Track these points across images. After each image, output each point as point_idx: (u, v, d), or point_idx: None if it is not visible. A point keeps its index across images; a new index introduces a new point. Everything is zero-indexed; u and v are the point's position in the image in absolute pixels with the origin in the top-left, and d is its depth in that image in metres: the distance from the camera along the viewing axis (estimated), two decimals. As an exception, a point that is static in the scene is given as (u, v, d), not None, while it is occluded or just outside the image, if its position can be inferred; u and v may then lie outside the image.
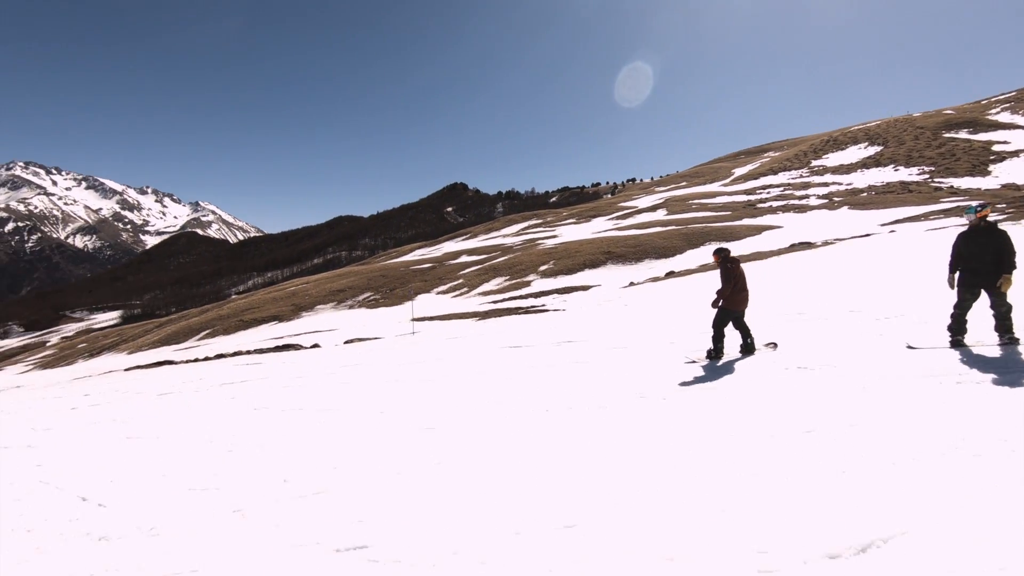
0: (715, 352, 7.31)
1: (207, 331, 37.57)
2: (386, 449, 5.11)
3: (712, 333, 7.41)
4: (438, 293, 37.11)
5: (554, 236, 56.20)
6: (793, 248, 26.39)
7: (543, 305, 25.67)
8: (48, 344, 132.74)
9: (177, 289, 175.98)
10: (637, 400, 5.73)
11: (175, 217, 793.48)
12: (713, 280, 19.23)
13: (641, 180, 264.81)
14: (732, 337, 7.94)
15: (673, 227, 42.85)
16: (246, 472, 4.87)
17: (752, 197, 57.27)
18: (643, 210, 62.73)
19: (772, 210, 46.57)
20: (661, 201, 67.42)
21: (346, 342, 19.15)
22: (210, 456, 5.54)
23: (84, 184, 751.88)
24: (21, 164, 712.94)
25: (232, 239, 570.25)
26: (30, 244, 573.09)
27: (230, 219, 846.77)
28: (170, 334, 39.86)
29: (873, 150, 71.65)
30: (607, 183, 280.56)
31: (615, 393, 6.12)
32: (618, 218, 61.23)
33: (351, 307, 37.54)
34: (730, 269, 7.32)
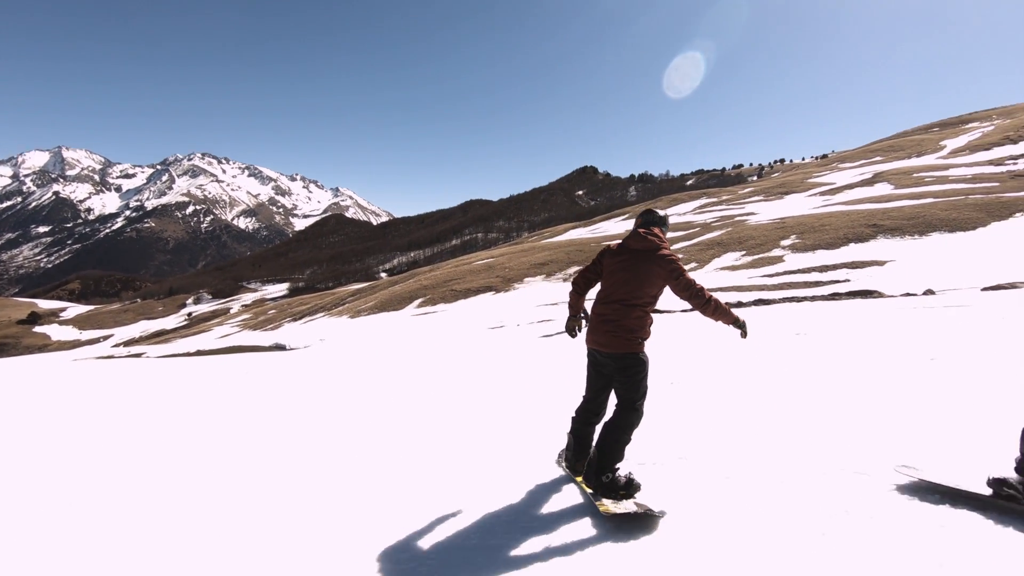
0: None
1: (420, 299, 38.05)
2: None
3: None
4: (660, 268, 34.24)
5: (752, 213, 50.96)
6: None
7: (847, 279, 21.89)
8: (231, 311, 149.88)
9: (332, 265, 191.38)
10: None
11: (319, 202, 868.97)
12: None
13: (791, 160, 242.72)
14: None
15: (930, 200, 36.20)
16: None
17: (1006, 168, 47.69)
18: (853, 186, 55.06)
19: (1057, 180, 37.87)
20: (870, 176, 58.89)
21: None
22: None
23: (246, 172, 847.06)
24: (199, 155, 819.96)
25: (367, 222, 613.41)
26: (204, 225, 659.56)
27: (364, 203, 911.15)
28: (382, 302, 41.07)
29: None
30: (751, 164, 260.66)
31: None
32: (825, 194, 54.32)
33: (565, 280, 35.99)
34: (600, 251, 3.48)
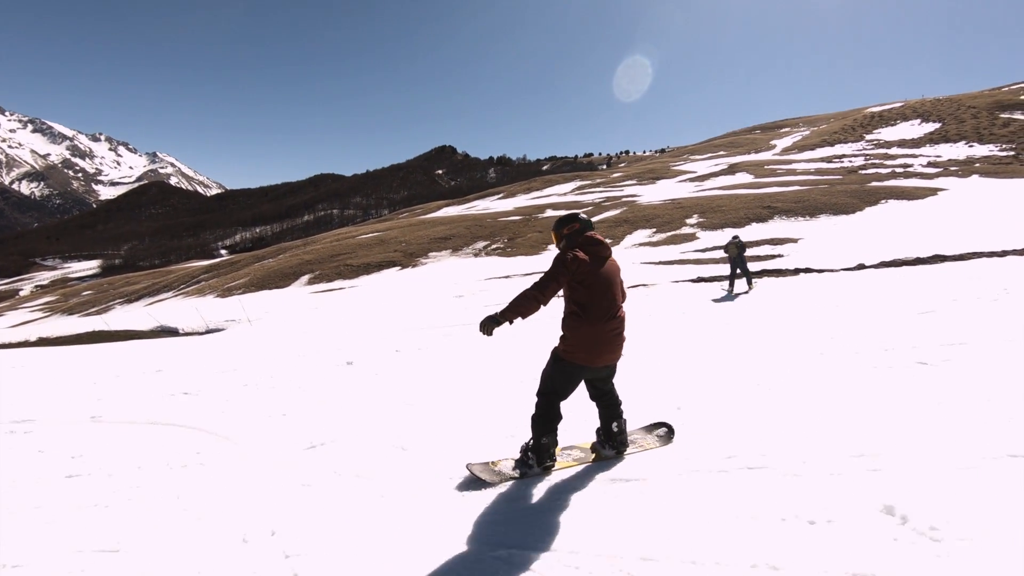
0: (536, 454, 3.34)
1: (309, 275, 33.31)
2: None
3: (535, 409, 3.34)
4: (574, 244, 33.63)
5: (635, 195, 53.04)
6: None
7: (780, 255, 22.81)
8: (22, 292, 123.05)
9: (158, 240, 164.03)
10: None
11: (130, 167, 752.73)
12: None
13: (634, 152, 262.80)
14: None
15: (796, 188, 40.29)
16: None
17: (839, 164, 55.28)
18: (717, 174, 60.09)
19: (885, 176, 44.49)
20: (727, 166, 64.87)
21: None
22: None
23: (30, 127, 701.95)
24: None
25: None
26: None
27: (190, 172, 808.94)
28: (259, 279, 35.31)
29: (931, 127, 70.41)
30: (599, 154, 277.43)
31: None
32: (694, 180, 58.51)
33: (476, 255, 33.82)
34: (568, 262, 3.12)
